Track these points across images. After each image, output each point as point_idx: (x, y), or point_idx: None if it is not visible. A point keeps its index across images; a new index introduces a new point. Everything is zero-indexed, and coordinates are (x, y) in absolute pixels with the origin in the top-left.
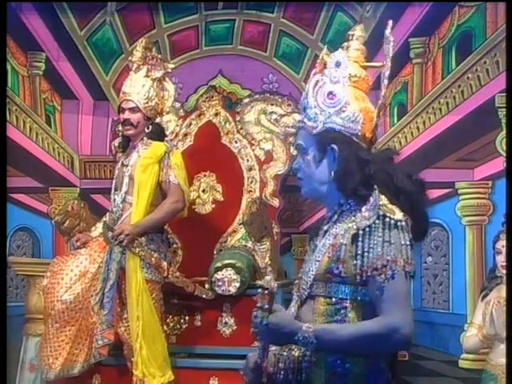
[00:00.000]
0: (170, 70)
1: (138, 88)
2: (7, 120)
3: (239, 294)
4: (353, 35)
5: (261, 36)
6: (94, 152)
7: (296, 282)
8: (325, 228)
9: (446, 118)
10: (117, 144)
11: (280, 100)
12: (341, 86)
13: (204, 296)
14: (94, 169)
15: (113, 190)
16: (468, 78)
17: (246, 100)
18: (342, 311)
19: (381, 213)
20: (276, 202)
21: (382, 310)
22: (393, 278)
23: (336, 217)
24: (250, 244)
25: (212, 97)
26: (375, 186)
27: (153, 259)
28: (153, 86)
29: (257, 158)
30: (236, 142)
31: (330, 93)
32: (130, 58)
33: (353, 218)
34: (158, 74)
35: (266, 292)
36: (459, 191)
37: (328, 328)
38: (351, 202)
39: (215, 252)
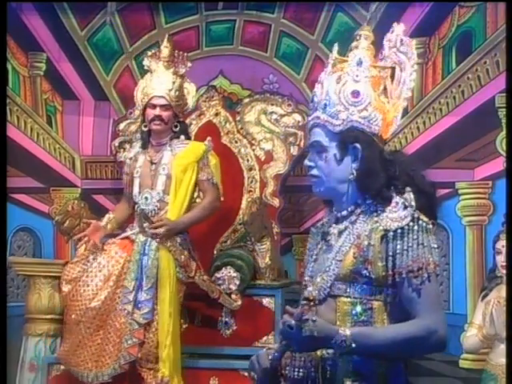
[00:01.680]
0: (189, 68)
1: (168, 85)
2: (8, 120)
3: (240, 291)
4: (361, 35)
5: (261, 36)
6: (94, 152)
7: (306, 279)
8: (340, 227)
9: (446, 118)
10: (117, 144)
11: (280, 100)
12: (363, 85)
13: (228, 306)
14: (95, 169)
15: (137, 188)
16: (468, 78)
17: (246, 100)
18: (368, 312)
19: (416, 215)
20: (276, 202)
21: (419, 313)
22: (429, 280)
23: (354, 217)
24: (249, 244)
25: (212, 97)
26: (408, 189)
27: (182, 257)
28: (180, 84)
29: (257, 158)
30: (236, 142)
31: (354, 91)
32: (155, 55)
33: (375, 218)
34: (182, 70)
35: (311, 303)
36: (459, 191)
37: (365, 331)
38: (369, 203)
39: (215, 252)
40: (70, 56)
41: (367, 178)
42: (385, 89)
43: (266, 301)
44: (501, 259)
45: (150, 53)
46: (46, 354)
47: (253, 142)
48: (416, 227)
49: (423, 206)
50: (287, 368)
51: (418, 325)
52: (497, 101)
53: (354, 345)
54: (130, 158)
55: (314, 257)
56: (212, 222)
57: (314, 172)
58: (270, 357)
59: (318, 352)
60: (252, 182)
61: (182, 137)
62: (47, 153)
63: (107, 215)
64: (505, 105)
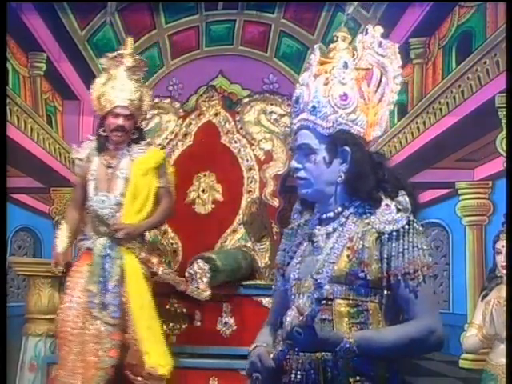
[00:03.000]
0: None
1: (132, 94)
2: (8, 120)
3: (214, 282)
4: (338, 37)
5: (261, 36)
6: None
7: (294, 283)
8: (328, 229)
9: (447, 118)
10: None
11: (280, 100)
12: (350, 88)
13: (197, 297)
14: None
15: (92, 190)
16: (468, 78)
17: (246, 100)
18: (364, 313)
19: (411, 218)
20: (276, 202)
21: (417, 314)
22: (424, 281)
23: (343, 219)
24: (249, 244)
25: (212, 97)
26: (403, 192)
27: (143, 254)
28: (140, 91)
29: (257, 158)
30: (236, 142)
31: (343, 94)
32: (117, 59)
33: (365, 220)
34: (140, 76)
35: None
36: (459, 191)
37: (367, 336)
38: (357, 204)
39: None
40: (70, 56)
41: (357, 180)
42: (361, 90)
43: (265, 301)
44: (501, 259)
45: (110, 55)
46: (45, 353)
47: (252, 141)
48: (411, 230)
49: (412, 209)
50: (287, 370)
51: (417, 326)
52: (497, 101)
53: (357, 351)
54: (81, 159)
55: (299, 258)
56: (212, 222)
57: (302, 174)
58: (271, 355)
59: (318, 354)
60: (252, 182)
61: (142, 142)
62: (47, 153)
63: (62, 239)
64: (505, 105)
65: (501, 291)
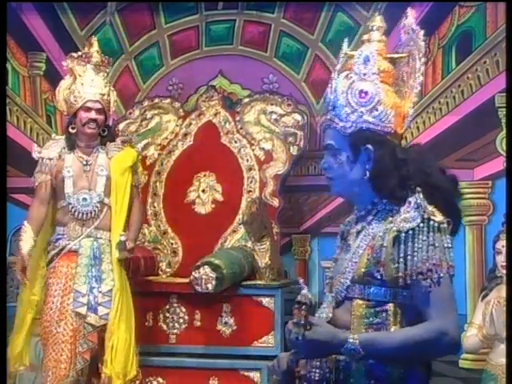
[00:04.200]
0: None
1: (102, 89)
2: (8, 120)
3: (219, 291)
4: (373, 26)
5: (261, 36)
6: None
7: (327, 281)
8: (358, 227)
9: (446, 118)
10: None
11: (280, 100)
12: (371, 84)
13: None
14: None
15: (71, 188)
16: (468, 77)
17: (246, 100)
18: (383, 314)
19: (426, 216)
20: (276, 202)
21: (429, 315)
22: (438, 282)
23: (371, 217)
24: (249, 244)
25: (212, 97)
26: (418, 189)
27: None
28: (109, 89)
29: (256, 158)
30: (236, 142)
31: (362, 91)
32: (84, 57)
33: (390, 218)
34: (106, 73)
35: (304, 307)
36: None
37: (374, 337)
38: (385, 202)
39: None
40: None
41: (380, 178)
42: (402, 80)
43: (265, 301)
44: (501, 259)
45: (75, 54)
46: None
47: (252, 141)
48: (426, 228)
49: (440, 204)
50: (306, 368)
51: (427, 327)
52: (497, 100)
53: (363, 352)
54: (51, 158)
55: (335, 257)
56: (212, 222)
57: (330, 174)
58: (288, 360)
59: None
60: (252, 181)
61: (118, 140)
62: None
63: (28, 240)
64: (505, 104)
65: (501, 291)
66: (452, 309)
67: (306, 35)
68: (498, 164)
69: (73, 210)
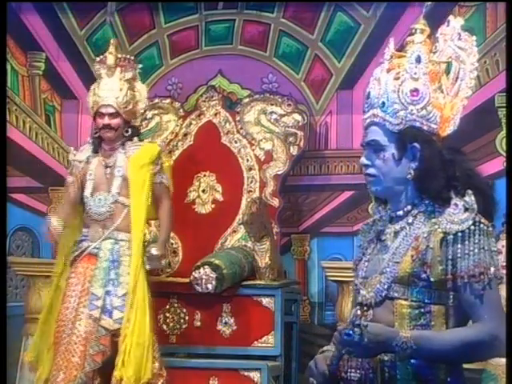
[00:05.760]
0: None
1: (115, 92)
2: (7, 120)
3: (219, 291)
4: (416, 29)
5: (261, 36)
6: None
7: (360, 281)
8: (396, 227)
9: None
10: None
11: (280, 100)
12: (422, 83)
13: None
14: None
15: (89, 190)
16: None
17: (246, 100)
18: (427, 315)
19: (477, 218)
20: (276, 202)
21: (480, 317)
22: (490, 285)
23: (411, 218)
24: (249, 244)
25: (212, 97)
26: (469, 191)
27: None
28: (129, 89)
29: (257, 158)
30: (236, 142)
31: (414, 90)
32: (102, 61)
33: (433, 220)
34: (129, 75)
35: (365, 308)
36: None
37: (426, 334)
38: (427, 203)
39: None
40: (69, 55)
41: (426, 178)
42: (440, 84)
43: (265, 301)
44: (501, 259)
45: (98, 58)
46: None
47: (252, 141)
48: (477, 231)
49: (482, 208)
50: (344, 369)
51: (479, 330)
52: (496, 100)
53: (414, 346)
54: (81, 161)
55: (368, 256)
56: (212, 221)
57: (371, 171)
58: (327, 361)
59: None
60: (252, 181)
61: (135, 138)
62: (46, 152)
63: (57, 220)
64: (505, 104)
65: (501, 291)
66: (502, 312)
67: (305, 35)
68: (498, 164)
69: (90, 211)
